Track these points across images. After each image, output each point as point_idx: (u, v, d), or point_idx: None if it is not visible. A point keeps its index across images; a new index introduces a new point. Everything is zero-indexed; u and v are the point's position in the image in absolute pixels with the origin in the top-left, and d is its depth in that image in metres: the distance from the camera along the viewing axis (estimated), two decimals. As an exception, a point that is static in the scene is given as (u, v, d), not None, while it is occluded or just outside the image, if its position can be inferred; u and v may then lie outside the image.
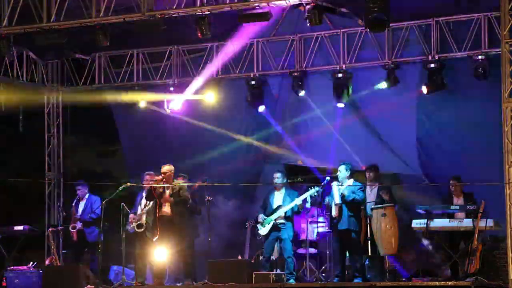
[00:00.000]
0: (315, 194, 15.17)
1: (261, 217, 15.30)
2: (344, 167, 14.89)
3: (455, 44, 15.75)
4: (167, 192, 15.03)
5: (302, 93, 16.85)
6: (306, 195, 15.18)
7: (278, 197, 15.32)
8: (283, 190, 15.36)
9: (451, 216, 14.50)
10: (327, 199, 14.93)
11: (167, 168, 15.04)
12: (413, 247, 16.08)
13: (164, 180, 14.94)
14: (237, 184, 17.01)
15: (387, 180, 16.36)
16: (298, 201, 15.14)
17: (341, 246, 14.74)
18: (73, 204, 16.75)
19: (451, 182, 14.98)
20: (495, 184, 14.18)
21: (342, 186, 14.72)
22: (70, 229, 16.26)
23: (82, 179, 16.93)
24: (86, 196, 16.51)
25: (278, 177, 15.38)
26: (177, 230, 14.96)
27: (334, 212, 14.69)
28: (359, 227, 14.81)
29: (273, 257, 15.79)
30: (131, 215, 15.65)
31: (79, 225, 16.34)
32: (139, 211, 15.69)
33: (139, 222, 15.56)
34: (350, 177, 14.91)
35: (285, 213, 15.13)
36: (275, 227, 15.20)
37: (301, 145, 17.79)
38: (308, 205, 15.44)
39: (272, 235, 15.23)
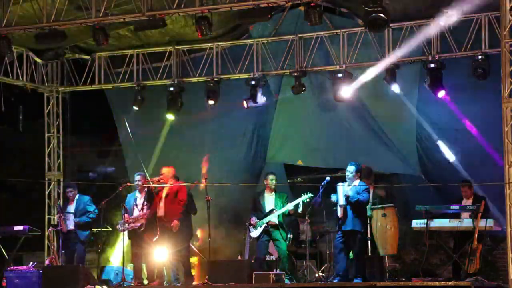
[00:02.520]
0: (307, 200, 15.13)
1: (254, 219, 15.30)
2: (353, 167, 14.71)
3: (455, 44, 15.75)
4: (164, 192, 15.15)
5: (301, 93, 16.84)
6: (298, 201, 15.15)
7: (269, 200, 15.31)
8: (272, 192, 15.36)
9: (451, 216, 14.49)
10: (333, 197, 14.76)
11: (165, 169, 15.19)
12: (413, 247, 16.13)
13: (161, 180, 15.07)
14: (237, 184, 17.03)
15: (386, 181, 16.38)
16: (290, 206, 15.15)
17: (344, 246, 14.68)
18: (60, 205, 16.69)
19: (461, 186, 14.94)
20: (495, 184, 14.18)
21: (348, 187, 14.59)
22: (56, 219, 16.13)
23: (82, 179, 16.87)
24: (76, 197, 16.43)
25: (272, 179, 15.38)
26: (172, 230, 15.08)
27: (339, 213, 14.64)
28: (365, 228, 14.70)
29: (273, 257, 15.79)
30: (126, 215, 15.64)
31: (70, 222, 16.19)
32: (136, 212, 15.69)
33: (140, 223, 15.58)
34: (357, 177, 14.75)
35: (277, 217, 15.17)
36: (267, 230, 15.22)
37: (301, 145, 17.80)
38: (300, 210, 15.44)
39: (263, 237, 15.26)
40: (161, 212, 15.20)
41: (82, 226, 16.12)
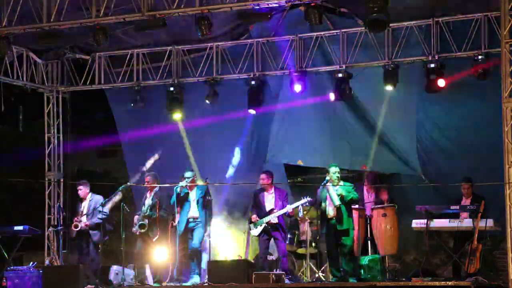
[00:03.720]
0: (307, 204, 15.15)
1: (254, 217, 15.31)
2: (335, 168, 14.82)
3: (455, 44, 15.75)
4: (192, 196, 15.25)
5: (302, 93, 16.84)
6: (298, 204, 15.16)
7: (269, 199, 15.32)
8: (272, 191, 15.37)
9: (451, 216, 14.49)
10: (324, 203, 14.82)
11: (190, 173, 15.37)
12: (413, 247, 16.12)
13: (187, 185, 15.28)
14: (237, 184, 17.04)
15: (386, 181, 16.38)
16: (289, 208, 15.16)
17: (337, 246, 14.72)
18: (60, 205, 16.61)
19: (462, 184, 14.93)
20: (495, 184, 14.18)
21: (336, 187, 14.67)
22: (73, 228, 16.11)
23: (83, 179, 16.81)
24: (89, 196, 16.37)
25: (263, 179, 15.40)
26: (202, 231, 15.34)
27: (331, 213, 14.64)
28: (354, 227, 14.82)
29: (273, 257, 15.80)
30: (136, 217, 15.67)
31: (82, 224, 16.15)
32: (143, 210, 15.74)
33: (141, 222, 15.58)
34: (339, 177, 14.87)
35: (277, 217, 15.19)
36: (267, 229, 15.21)
37: (301, 145, 17.80)
38: (300, 214, 15.47)
39: (263, 235, 15.27)
40: (194, 214, 15.34)
41: (93, 227, 16.11)
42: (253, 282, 14.47)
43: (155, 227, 15.55)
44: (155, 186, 15.61)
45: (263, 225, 15.19)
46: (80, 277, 15.19)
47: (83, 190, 16.30)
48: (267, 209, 15.24)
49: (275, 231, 15.21)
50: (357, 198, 14.72)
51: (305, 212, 15.53)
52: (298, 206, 15.25)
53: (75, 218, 16.10)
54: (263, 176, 15.52)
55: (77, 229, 16.00)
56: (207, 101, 17.32)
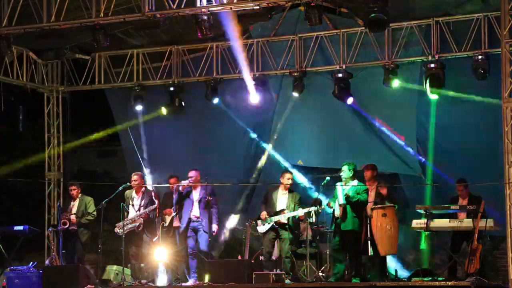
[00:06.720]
0: (319, 211, 15.07)
1: (263, 214, 15.24)
2: (347, 167, 14.71)
3: (455, 44, 15.75)
4: (196, 196, 15.30)
5: (301, 93, 16.85)
6: (311, 210, 15.05)
7: (282, 199, 15.19)
8: (287, 191, 15.27)
9: (451, 216, 14.49)
10: (327, 200, 14.82)
11: (193, 172, 15.33)
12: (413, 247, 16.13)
13: (190, 184, 15.26)
14: (237, 184, 17.04)
15: (386, 180, 16.38)
16: (300, 212, 15.06)
17: (342, 246, 14.71)
18: (60, 205, 16.63)
19: (456, 185, 14.92)
20: (495, 184, 14.18)
21: (346, 187, 14.62)
22: (61, 226, 16.08)
23: (82, 179, 16.81)
24: (79, 196, 16.37)
25: (289, 178, 15.22)
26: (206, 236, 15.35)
27: (337, 212, 14.62)
28: (361, 229, 14.77)
29: (273, 257, 15.78)
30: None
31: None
32: (132, 212, 15.69)
33: (138, 223, 15.59)
34: (353, 177, 14.76)
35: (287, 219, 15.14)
36: (274, 228, 15.18)
37: (301, 145, 17.81)
38: (311, 219, 15.38)
39: (270, 234, 15.23)
40: (195, 213, 15.32)
41: (81, 226, 16.10)
42: (253, 282, 14.46)
43: (154, 227, 15.56)
44: (142, 187, 15.63)
45: (271, 223, 15.15)
46: (80, 277, 15.18)
47: (76, 190, 16.28)
48: (278, 209, 15.20)
49: (282, 231, 15.16)
50: (364, 200, 14.56)
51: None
52: (310, 212, 15.11)
53: (64, 215, 16.06)
54: (290, 175, 15.42)
55: (66, 227, 15.95)
56: (211, 102, 17.32)
